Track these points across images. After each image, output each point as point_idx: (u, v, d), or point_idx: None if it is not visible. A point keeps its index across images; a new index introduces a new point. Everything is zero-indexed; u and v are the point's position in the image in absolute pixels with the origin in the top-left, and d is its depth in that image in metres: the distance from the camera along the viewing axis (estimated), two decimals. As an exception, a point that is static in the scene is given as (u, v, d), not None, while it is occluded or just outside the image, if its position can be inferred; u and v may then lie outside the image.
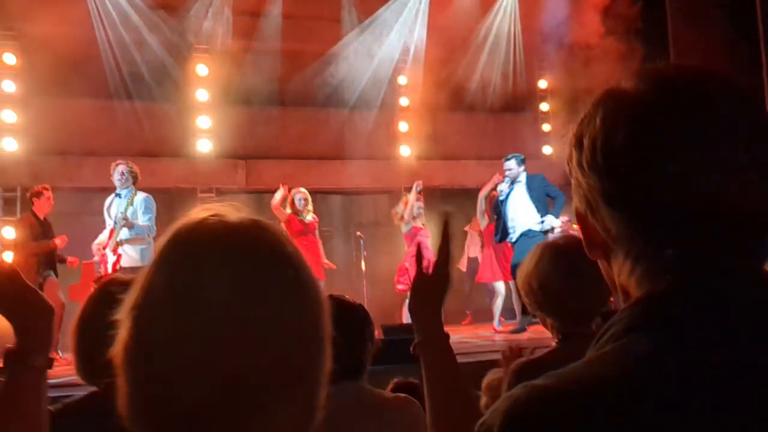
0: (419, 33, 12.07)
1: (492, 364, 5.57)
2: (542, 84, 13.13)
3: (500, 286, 9.04)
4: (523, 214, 8.05)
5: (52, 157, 10.27)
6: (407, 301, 7.62)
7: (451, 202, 11.40)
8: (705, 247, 0.77)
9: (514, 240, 8.15)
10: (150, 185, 10.72)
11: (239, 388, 0.77)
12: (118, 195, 7.61)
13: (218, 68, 11.05)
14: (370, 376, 2.34)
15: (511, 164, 8.23)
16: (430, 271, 1.39)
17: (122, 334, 0.81)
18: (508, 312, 9.60)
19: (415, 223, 8.87)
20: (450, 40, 11.90)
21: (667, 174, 0.76)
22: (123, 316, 0.82)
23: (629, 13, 11.17)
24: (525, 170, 8.26)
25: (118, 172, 7.61)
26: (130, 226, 7.33)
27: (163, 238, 0.85)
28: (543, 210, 8.00)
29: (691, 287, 0.75)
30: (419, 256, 1.44)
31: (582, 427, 0.69)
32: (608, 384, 0.71)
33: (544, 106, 13.10)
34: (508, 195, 8.20)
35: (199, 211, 0.86)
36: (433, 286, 1.38)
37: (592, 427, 0.69)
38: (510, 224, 8.17)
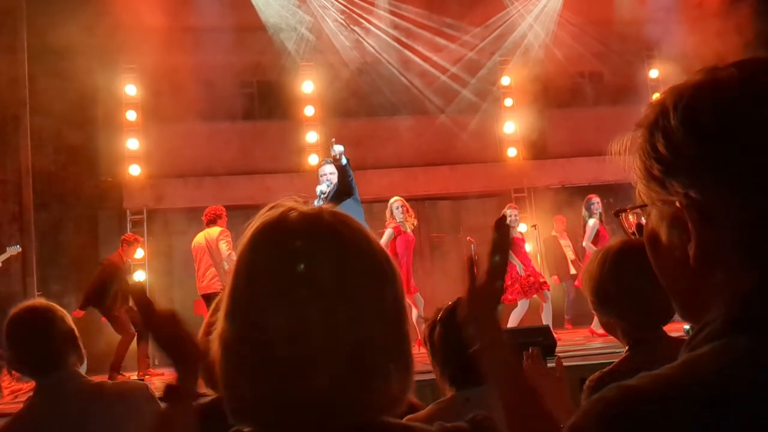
0: (518, 32, 11.92)
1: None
2: (653, 74, 12.61)
3: None
4: None
5: (172, 180, 10.82)
6: (514, 311, 7.40)
7: (564, 202, 11.17)
8: None
9: None
10: (265, 201, 11.11)
11: (351, 363, 0.83)
12: None
13: (324, 83, 11.31)
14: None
15: None
16: (482, 278, 1.33)
17: (219, 316, 0.88)
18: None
19: (513, 234, 8.75)
20: (555, 35, 11.69)
21: None
22: (221, 311, 0.89)
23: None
24: None
25: None
26: None
27: (248, 232, 0.91)
28: None
29: None
30: (471, 266, 1.36)
31: (681, 429, 0.67)
32: (706, 384, 0.68)
33: (656, 96, 12.55)
34: None
35: (271, 207, 0.94)
36: (487, 294, 1.32)
37: (691, 428, 0.67)
38: None
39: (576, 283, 9.39)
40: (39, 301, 2.39)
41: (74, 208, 10.55)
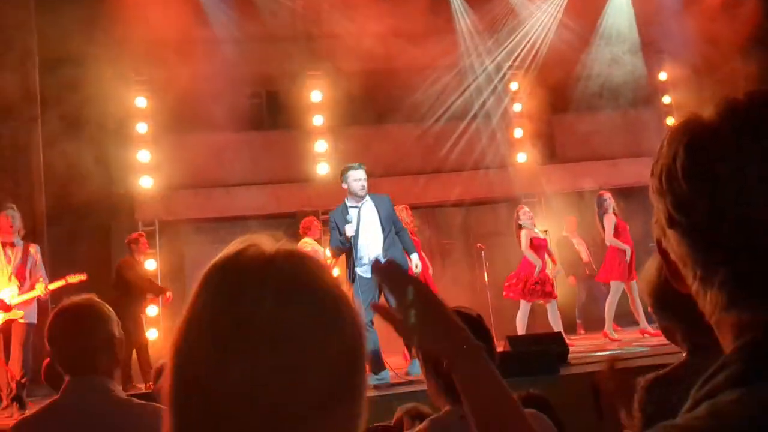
0: (530, 36, 11.94)
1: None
2: (662, 76, 12.58)
3: (618, 285, 8.74)
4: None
5: (183, 191, 10.87)
6: (518, 315, 7.40)
7: (575, 207, 11.14)
8: None
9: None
10: (275, 211, 11.19)
11: (279, 417, 0.77)
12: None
13: (331, 92, 11.34)
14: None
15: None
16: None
17: (167, 368, 0.82)
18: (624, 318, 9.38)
19: (533, 234, 8.77)
20: (562, 39, 11.68)
21: (720, 198, 0.76)
22: (167, 352, 0.83)
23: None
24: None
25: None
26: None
27: (203, 271, 0.85)
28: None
29: None
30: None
31: None
32: None
33: (666, 99, 12.55)
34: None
35: (237, 243, 0.86)
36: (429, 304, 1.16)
37: None
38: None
39: (599, 277, 9.32)
40: (88, 298, 2.37)
41: (87, 221, 10.58)
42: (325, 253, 8.82)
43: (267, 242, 0.86)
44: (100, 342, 2.28)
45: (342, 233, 6.56)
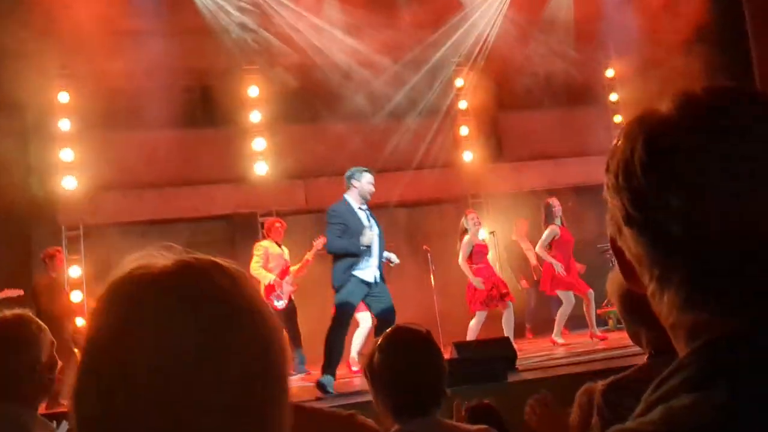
0: (475, 31, 11.72)
1: (572, 378, 5.12)
2: (609, 73, 12.51)
3: (567, 295, 8.61)
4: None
5: (111, 192, 10.30)
6: (471, 323, 7.29)
7: (522, 207, 10.94)
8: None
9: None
10: (209, 213, 10.69)
11: None
12: None
13: (269, 88, 10.90)
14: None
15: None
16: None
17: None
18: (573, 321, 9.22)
19: (477, 241, 8.66)
20: (508, 34, 11.49)
21: (679, 194, 0.75)
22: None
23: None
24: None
25: None
26: None
27: (97, 297, 0.83)
28: None
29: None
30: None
31: None
32: None
33: (613, 97, 12.47)
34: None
35: (127, 264, 0.83)
36: None
37: None
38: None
39: (541, 287, 9.16)
40: (18, 315, 2.16)
41: (4, 226, 9.91)
42: (284, 255, 8.68)
43: (161, 257, 0.83)
44: (22, 368, 2.12)
45: (353, 234, 6.41)
